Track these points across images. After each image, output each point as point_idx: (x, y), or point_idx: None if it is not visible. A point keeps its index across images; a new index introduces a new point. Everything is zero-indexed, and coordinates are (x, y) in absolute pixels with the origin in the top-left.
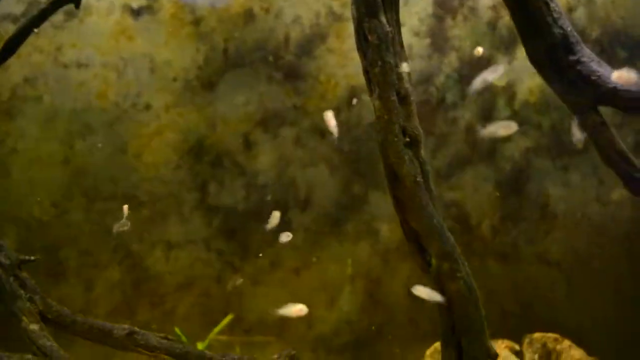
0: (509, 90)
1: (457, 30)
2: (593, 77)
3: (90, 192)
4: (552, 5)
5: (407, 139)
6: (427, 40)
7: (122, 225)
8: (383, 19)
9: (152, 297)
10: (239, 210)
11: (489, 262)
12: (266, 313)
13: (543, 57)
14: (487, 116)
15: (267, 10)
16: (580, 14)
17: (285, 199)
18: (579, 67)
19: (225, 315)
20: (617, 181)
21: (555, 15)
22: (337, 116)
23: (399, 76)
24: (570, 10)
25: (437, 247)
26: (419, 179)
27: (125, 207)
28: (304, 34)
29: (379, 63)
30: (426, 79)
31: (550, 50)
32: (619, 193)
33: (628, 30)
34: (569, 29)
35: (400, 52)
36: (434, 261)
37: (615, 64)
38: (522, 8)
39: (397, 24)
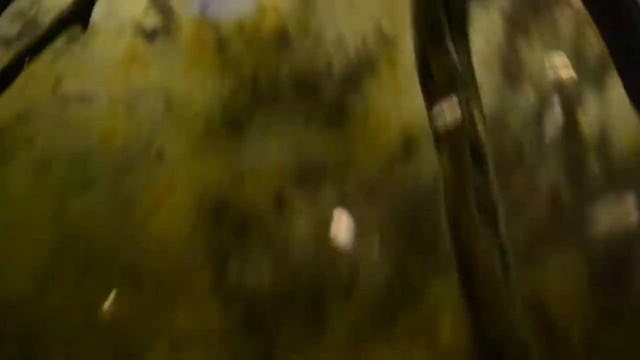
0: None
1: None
2: None
3: (82, 265)
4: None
5: (484, 214)
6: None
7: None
8: (450, 47)
9: None
10: (266, 295)
11: None
12: None
13: (630, 67)
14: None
15: (305, 31)
16: None
17: (323, 280)
18: None
19: None
20: None
21: None
22: (389, 172)
23: (472, 124)
24: None
25: None
26: (499, 271)
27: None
28: (349, 61)
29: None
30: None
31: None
32: None
33: None
34: None
35: (473, 92)
36: None
37: None
38: (614, 24)
39: (468, 53)
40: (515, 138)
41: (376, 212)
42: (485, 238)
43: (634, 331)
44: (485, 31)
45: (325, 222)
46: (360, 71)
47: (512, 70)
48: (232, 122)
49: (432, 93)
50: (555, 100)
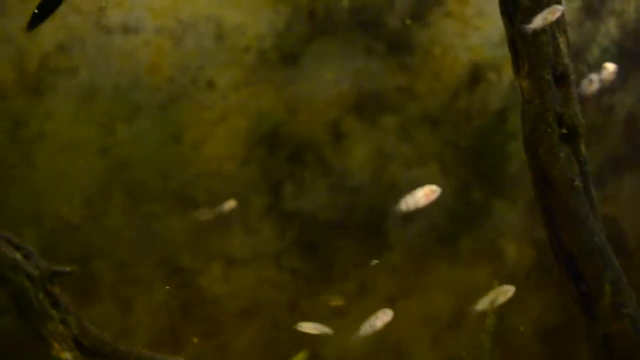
0: None
1: None
2: None
3: (134, 190)
4: None
5: (564, 130)
6: (578, 3)
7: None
8: None
9: (205, 326)
10: (321, 220)
11: None
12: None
13: None
14: None
15: None
16: None
17: (382, 206)
18: None
19: (298, 352)
20: None
21: None
22: (454, 101)
23: (557, 49)
24: None
25: (597, 274)
26: (578, 182)
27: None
28: None
29: (532, 31)
30: (575, 54)
31: None
32: None
33: None
34: None
35: (559, 19)
36: (594, 292)
37: None
38: None
39: None
40: (593, 68)
41: (438, 140)
42: (565, 151)
43: None
44: None
45: (384, 151)
46: (426, 1)
47: (594, 5)
48: (287, 53)
49: (514, 20)
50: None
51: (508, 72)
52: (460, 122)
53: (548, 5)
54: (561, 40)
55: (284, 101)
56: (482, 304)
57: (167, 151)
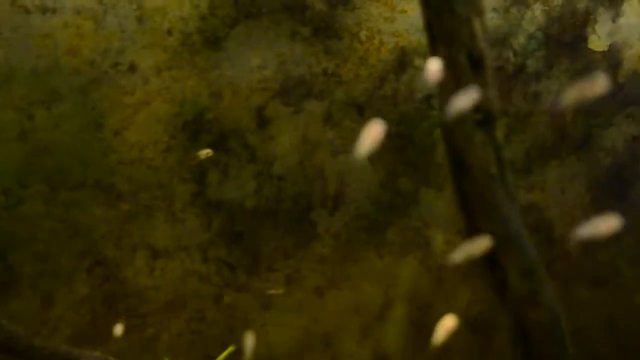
0: (612, 58)
1: None
2: None
3: (53, 178)
4: None
5: (480, 116)
6: None
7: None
8: None
9: (130, 319)
10: (247, 208)
11: (577, 288)
12: (276, 345)
13: None
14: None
15: None
16: None
17: (309, 194)
18: None
19: (225, 347)
20: None
21: None
22: (381, 87)
23: (473, 33)
24: None
25: (514, 262)
26: (494, 169)
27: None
28: None
29: (446, 14)
30: (500, 40)
31: None
32: None
33: None
34: None
35: (475, 1)
36: (510, 280)
37: None
38: None
39: None
40: (518, 54)
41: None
42: (480, 137)
43: (631, 238)
44: None
45: (310, 138)
46: None
47: None
48: (211, 36)
49: (430, 3)
50: (564, 21)
51: None
52: (387, 108)
53: None
54: (477, 24)
55: (208, 86)
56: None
57: (87, 137)
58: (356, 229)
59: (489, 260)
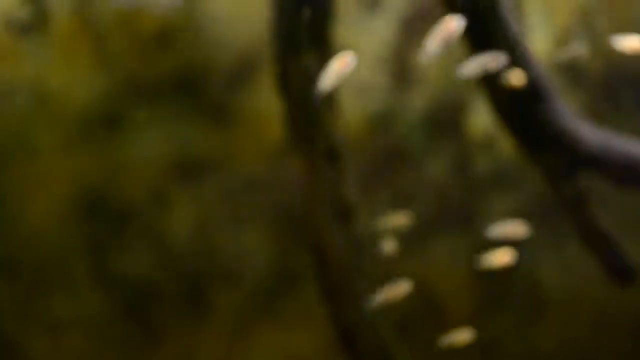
0: (489, 139)
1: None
2: (570, 136)
3: None
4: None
5: (338, 211)
6: (388, 71)
7: None
8: (309, 58)
9: None
10: (146, 285)
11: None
12: None
13: (507, 107)
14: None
15: (187, 28)
16: (577, 44)
17: (205, 269)
18: (550, 121)
19: None
20: None
21: (519, 53)
22: (273, 167)
23: (329, 130)
24: (565, 40)
25: (374, 350)
26: (352, 261)
27: None
28: (235, 59)
29: (302, 114)
30: (387, 121)
31: (514, 98)
32: None
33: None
34: (538, 72)
35: (330, 100)
36: None
37: (622, 110)
38: (481, 43)
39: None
40: (403, 136)
41: (258, 205)
42: (339, 232)
43: (514, 310)
44: (377, 35)
45: (207, 215)
46: (247, 69)
47: (403, 72)
48: (111, 117)
49: (288, 101)
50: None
51: None
52: (283, 185)
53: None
54: (333, 118)
55: (107, 164)
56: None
57: None
58: (253, 303)
59: (351, 348)
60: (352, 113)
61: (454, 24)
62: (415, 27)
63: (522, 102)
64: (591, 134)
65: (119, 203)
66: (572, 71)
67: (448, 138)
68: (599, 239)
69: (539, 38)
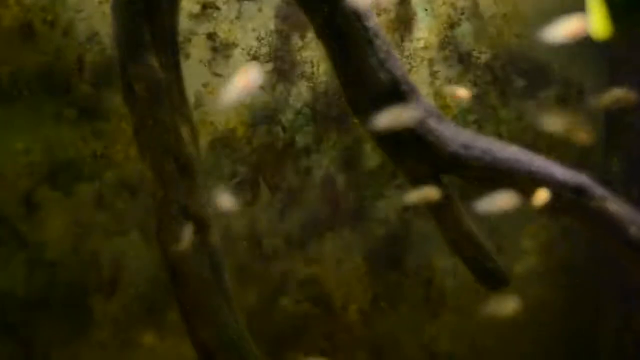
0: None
1: (309, 52)
2: (431, 138)
3: None
4: (377, 42)
5: (191, 222)
6: (269, 66)
7: None
8: (154, 63)
9: None
10: (19, 297)
11: (359, 357)
12: None
13: (367, 110)
14: (350, 164)
15: (51, 25)
16: (464, 30)
17: (83, 279)
18: (412, 124)
19: None
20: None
21: (382, 56)
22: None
23: (179, 138)
24: (452, 26)
25: None
26: (208, 275)
27: None
28: (104, 56)
29: (150, 122)
30: (269, 117)
31: (375, 100)
32: (523, 264)
33: (526, 51)
34: (399, 73)
35: (181, 107)
36: None
37: (512, 95)
38: (339, 47)
39: (176, 68)
40: (288, 130)
41: (138, 208)
42: (194, 244)
43: (409, 306)
44: (257, 29)
45: (82, 221)
46: (117, 66)
47: (285, 68)
48: None
49: (135, 111)
50: (330, 96)
51: None
52: None
53: (169, 92)
54: (184, 129)
55: None
56: None
57: None
58: (135, 311)
59: None
60: (234, 109)
61: (253, 73)
62: (294, 19)
63: (382, 104)
64: (454, 134)
65: None
66: (459, 57)
67: (337, 132)
68: (465, 242)
69: (427, 25)
